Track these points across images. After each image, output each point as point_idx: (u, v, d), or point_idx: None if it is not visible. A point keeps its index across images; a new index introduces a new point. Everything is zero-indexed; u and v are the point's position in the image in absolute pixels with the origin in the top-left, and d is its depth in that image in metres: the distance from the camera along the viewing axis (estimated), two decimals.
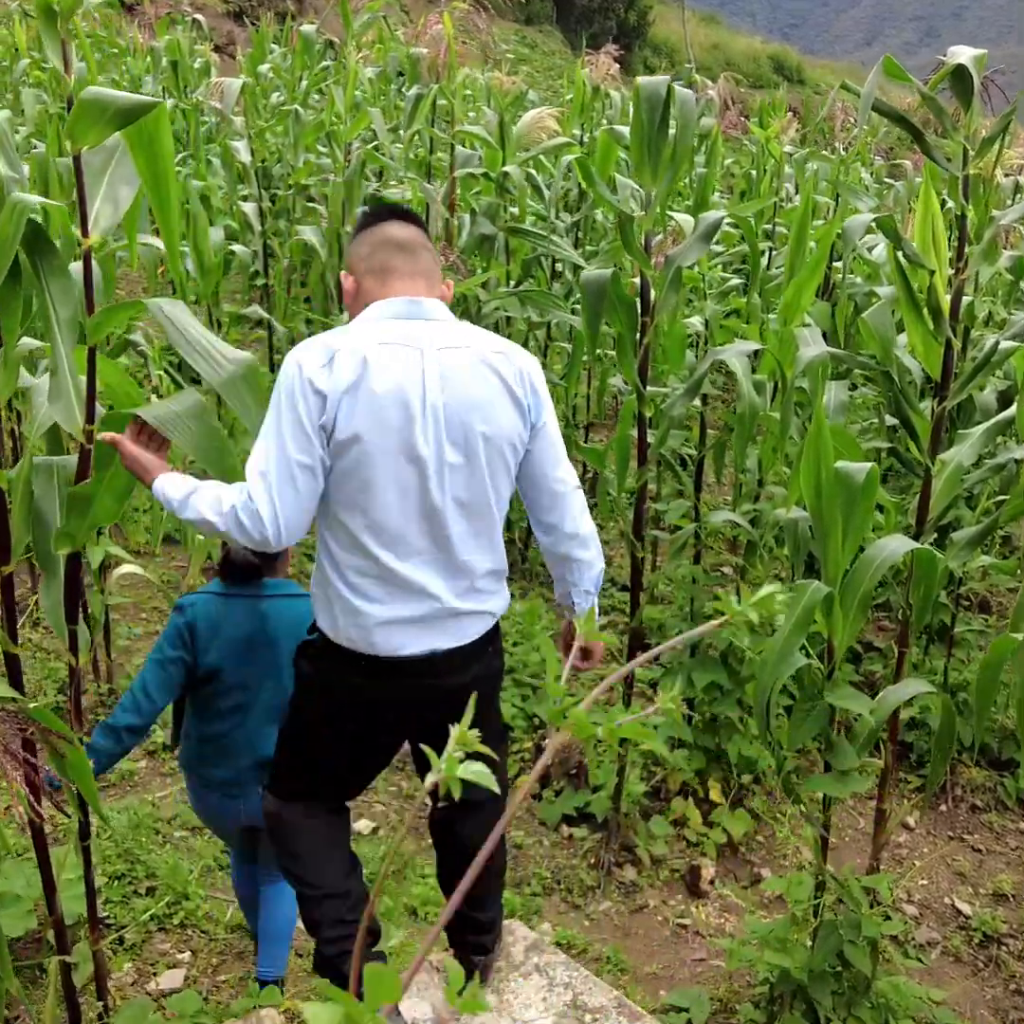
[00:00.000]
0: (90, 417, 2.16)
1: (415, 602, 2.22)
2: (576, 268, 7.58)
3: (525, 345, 6.84)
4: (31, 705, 2.05)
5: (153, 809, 4.24)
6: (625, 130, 4.04)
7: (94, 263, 4.32)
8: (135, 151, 2.05)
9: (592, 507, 8.18)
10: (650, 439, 4.12)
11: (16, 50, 10.15)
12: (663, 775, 5.08)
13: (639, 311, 3.79)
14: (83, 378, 2.17)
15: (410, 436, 2.11)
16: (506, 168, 5.17)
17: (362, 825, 4.48)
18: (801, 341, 4.25)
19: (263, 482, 2.02)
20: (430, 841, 4.51)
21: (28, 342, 2.32)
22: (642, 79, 3.67)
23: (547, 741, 5.03)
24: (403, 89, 11.18)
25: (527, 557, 7.22)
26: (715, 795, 4.98)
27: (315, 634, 2.34)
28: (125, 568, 3.89)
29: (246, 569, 2.86)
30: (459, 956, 2.67)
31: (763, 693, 3.19)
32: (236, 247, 6.55)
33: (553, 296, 5.12)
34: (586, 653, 2.63)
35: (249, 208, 7.40)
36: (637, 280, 3.84)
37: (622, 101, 8.58)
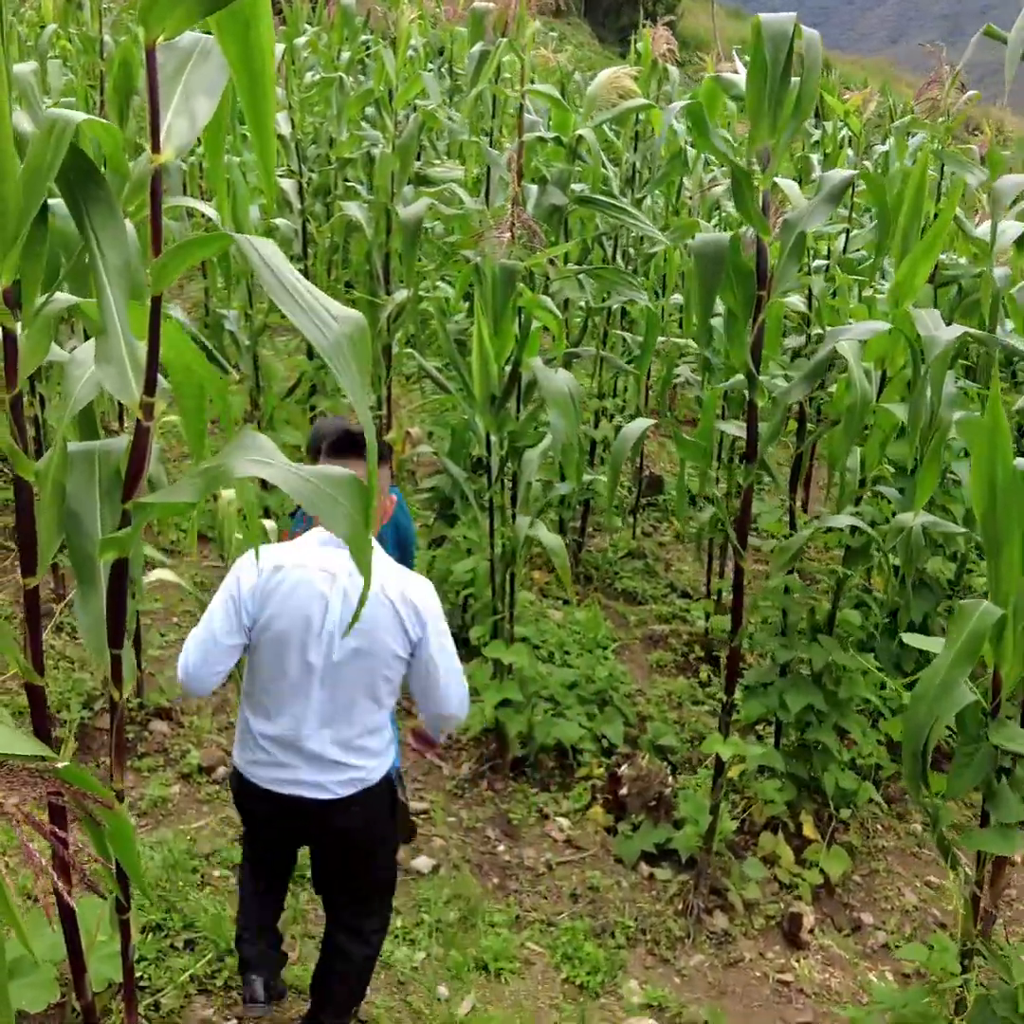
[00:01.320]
0: (150, 386, 1.68)
1: (279, 760, 2.72)
2: (630, 248, 7.09)
3: (583, 332, 6.34)
4: (61, 765, 1.57)
5: (190, 844, 3.77)
6: (735, 78, 3.55)
7: (131, 229, 3.83)
8: (226, 40, 1.51)
9: (663, 507, 7.69)
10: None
11: (42, 27, 9.71)
12: (746, 805, 4.58)
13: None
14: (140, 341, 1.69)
15: (306, 639, 2.64)
16: (580, 131, 4.68)
17: (422, 863, 3.99)
18: (920, 323, 3.75)
19: (190, 641, 2.71)
20: (499, 882, 4.06)
21: (63, 298, 1.84)
22: (765, 16, 3.16)
23: (622, 769, 4.55)
24: (442, 68, 10.71)
25: (580, 560, 6.73)
26: (808, 830, 4.48)
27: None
28: (157, 574, 3.41)
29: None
30: None
31: (918, 733, 2.69)
32: (279, 221, 6.06)
33: (626, 274, 4.63)
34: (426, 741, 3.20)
35: (288, 185, 6.91)
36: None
37: (680, 77, 8.05)
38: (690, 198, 7.39)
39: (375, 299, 5.50)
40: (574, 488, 3.90)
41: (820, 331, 4.39)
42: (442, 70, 10.48)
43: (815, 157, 9.21)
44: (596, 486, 5.15)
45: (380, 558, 2.69)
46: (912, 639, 2.98)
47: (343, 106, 6.57)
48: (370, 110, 8.52)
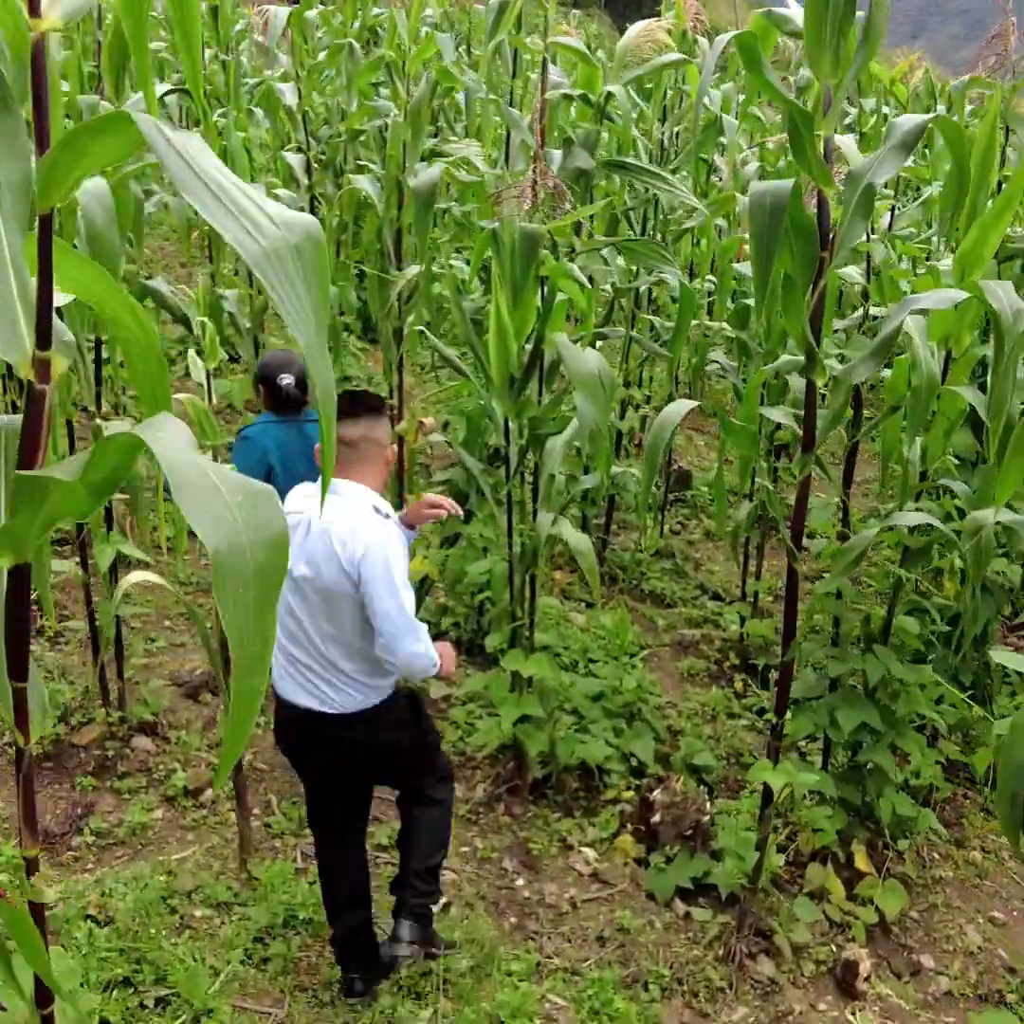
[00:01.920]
0: (43, 338, 1.26)
1: (292, 673, 2.95)
2: (656, 232, 6.64)
3: (609, 315, 5.90)
4: None
5: (169, 879, 3.35)
6: (790, 12, 3.11)
7: (102, 184, 3.39)
8: None
9: (692, 503, 7.26)
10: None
11: None
12: (791, 832, 4.13)
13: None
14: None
15: (295, 560, 2.85)
16: (609, 88, 4.24)
17: None
18: (991, 296, 3.29)
19: None
20: (517, 922, 3.63)
21: None
22: None
23: (654, 794, 4.11)
24: (459, 48, 10.27)
25: (605, 559, 6.29)
26: (861, 862, 4.02)
27: None
28: (137, 576, 2.99)
29: (295, 402, 3.75)
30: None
31: (1018, 772, 2.24)
32: (282, 192, 5.63)
33: (659, 247, 4.17)
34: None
35: (295, 160, 6.51)
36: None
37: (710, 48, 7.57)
38: (720, 180, 6.92)
39: (385, 275, 5.08)
40: (602, 482, 3.47)
41: (880, 306, 3.94)
42: (459, 50, 10.06)
43: (850, 138, 8.72)
44: (622, 480, 4.70)
45: (342, 504, 2.88)
46: (1003, 657, 2.53)
47: (354, 75, 6.15)
48: (385, 92, 8.12)
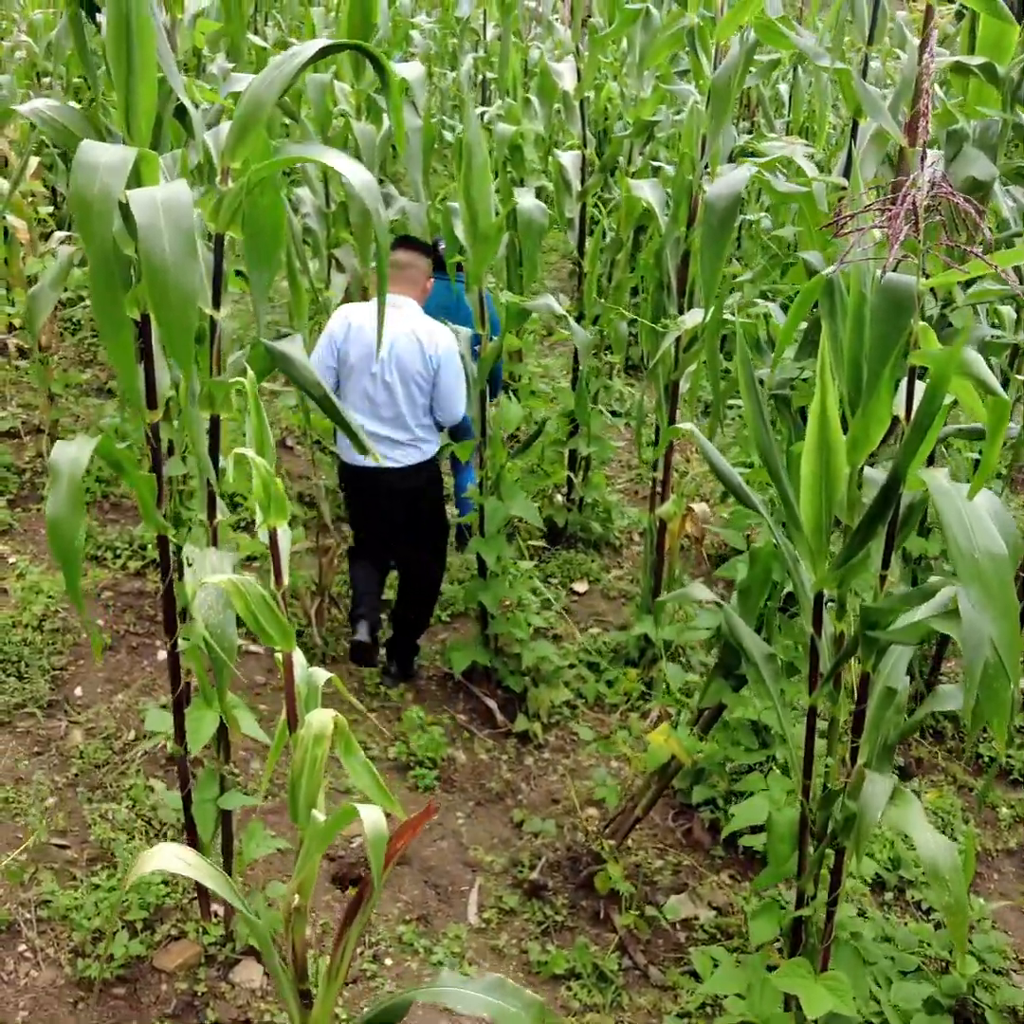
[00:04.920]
0: None
1: (373, 440, 3.95)
2: None
3: None
4: None
5: None
6: None
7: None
8: None
9: None
10: None
11: None
12: None
13: None
14: None
15: (370, 365, 4.07)
16: None
17: None
18: None
19: None
20: None
21: None
22: None
23: None
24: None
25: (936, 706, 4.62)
26: None
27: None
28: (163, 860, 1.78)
29: (443, 262, 4.61)
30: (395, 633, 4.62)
31: None
32: (525, 201, 4.28)
33: None
34: None
35: (568, 159, 5.22)
36: None
37: None
38: None
39: (658, 324, 3.68)
40: (999, 749, 1.95)
41: None
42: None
43: None
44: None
45: (413, 314, 4.15)
46: None
47: (647, 49, 4.77)
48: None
